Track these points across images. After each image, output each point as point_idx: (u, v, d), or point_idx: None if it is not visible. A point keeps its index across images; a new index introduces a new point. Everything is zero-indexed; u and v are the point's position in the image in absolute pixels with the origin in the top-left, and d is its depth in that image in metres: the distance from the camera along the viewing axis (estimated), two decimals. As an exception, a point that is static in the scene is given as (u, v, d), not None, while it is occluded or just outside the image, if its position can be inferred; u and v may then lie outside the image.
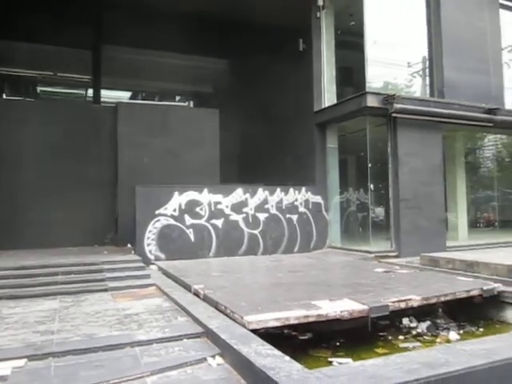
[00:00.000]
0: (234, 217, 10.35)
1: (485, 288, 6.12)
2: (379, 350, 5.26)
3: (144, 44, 13.95)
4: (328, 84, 11.87)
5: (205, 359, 4.08)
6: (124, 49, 14.64)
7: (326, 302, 5.27)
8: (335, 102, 11.56)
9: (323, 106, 11.68)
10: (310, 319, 4.86)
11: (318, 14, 12.02)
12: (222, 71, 17.14)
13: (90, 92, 16.52)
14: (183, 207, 9.90)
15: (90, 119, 11.89)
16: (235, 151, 15.83)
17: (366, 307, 5.06)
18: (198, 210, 10.05)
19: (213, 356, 4.12)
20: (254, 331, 4.49)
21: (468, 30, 11.51)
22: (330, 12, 12.21)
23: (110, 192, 11.74)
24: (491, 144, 15.39)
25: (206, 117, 12.91)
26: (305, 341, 5.55)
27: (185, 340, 4.55)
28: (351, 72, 13.07)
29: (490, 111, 10.98)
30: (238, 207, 10.42)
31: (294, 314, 4.79)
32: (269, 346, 3.92)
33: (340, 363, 4.56)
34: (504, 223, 14.10)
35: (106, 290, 7.03)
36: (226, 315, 5.00)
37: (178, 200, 9.88)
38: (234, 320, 4.79)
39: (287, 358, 3.63)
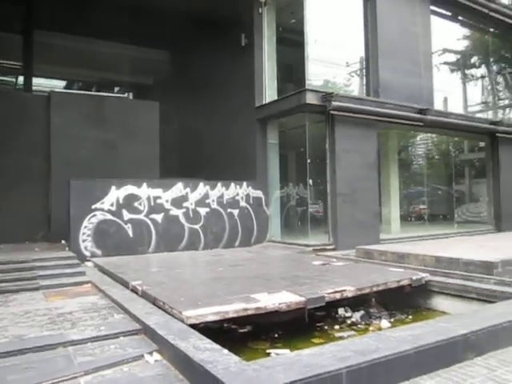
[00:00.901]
0: (174, 211, 10.21)
1: (414, 278, 6.48)
2: (316, 340, 5.42)
3: (80, 31, 13.31)
4: (269, 80, 11.99)
5: (142, 356, 4.00)
6: (59, 35, 13.86)
7: (265, 295, 5.34)
8: (276, 98, 11.71)
9: (264, 102, 11.79)
10: (249, 312, 4.91)
11: (260, 10, 12.09)
12: (164, 63, 16.79)
13: (22, 80, 15.56)
14: (121, 202, 9.62)
15: (21, 108, 11.19)
16: (176, 145, 15.61)
17: (303, 299, 5.19)
18: (136, 204, 9.80)
19: (150, 353, 4.06)
20: (194, 326, 4.47)
21: (402, 34, 12.05)
22: (272, 9, 12.32)
23: (43, 186, 11.15)
24: (422, 142, 16.29)
25: (145, 109, 12.60)
26: (244, 334, 5.61)
27: (121, 338, 4.44)
28: (292, 69, 13.30)
29: (421, 111, 11.59)
30: (178, 202, 10.29)
31: (233, 308, 4.82)
32: (207, 340, 3.92)
33: (278, 354, 4.66)
34: (433, 217, 15.01)
35: (37, 289, 6.69)
36: (165, 311, 4.94)
37: (116, 194, 9.58)
38: (172, 316, 4.73)
39: (225, 351, 3.65)
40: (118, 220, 9.55)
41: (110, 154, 11.53)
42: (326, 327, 6.01)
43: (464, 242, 10.28)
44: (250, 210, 11.31)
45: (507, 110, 17.92)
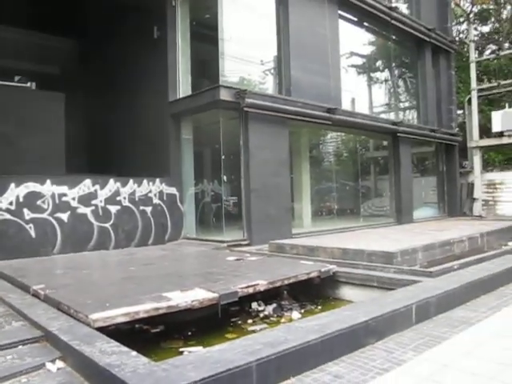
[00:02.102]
0: (82, 210, 9.68)
1: (322, 270, 6.77)
2: (229, 335, 5.46)
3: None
4: (183, 75, 11.81)
5: (43, 365, 3.74)
6: None
7: (178, 293, 5.26)
8: (190, 93, 11.57)
9: (178, 97, 11.60)
10: (161, 311, 4.81)
11: (174, 3, 11.85)
12: (71, 52, 15.78)
13: None
14: (21, 200, 8.89)
15: None
16: (85, 140, 14.82)
17: (215, 295, 5.20)
18: (39, 203, 9.13)
19: (52, 360, 3.81)
20: (102, 329, 4.28)
21: (312, 36, 12.48)
22: (186, 2, 12.14)
23: None
24: (332, 140, 17.09)
25: (49, 100, 11.79)
26: (157, 333, 5.49)
27: (20, 347, 4.10)
28: (208, 65, 13.22)
29: (329, 110, 12.13)
30: (86, 199, 9.76)
31: (144, 308, 4.69)
32: (115, 344, 3.76)
33: (190, 352, 4.62)
34: (342, 211, 15.81)
35: None
36: (70, 315, 4.66)
37: (15, 192, 8.84)
38: (78, 320, 4.48)
39: (134, 353, 3.53)
40: (18, 220, 8.83)
41: (7, 149, 10.61)
42: (239, 322, 6.09)
43: (368, 235, 10.97)
44: (164, 207, 11.08)
45: (407, 111, 19.42)
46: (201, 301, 5.07)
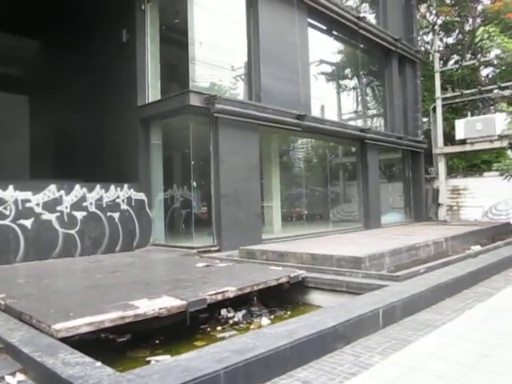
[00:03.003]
0: (47, 216, 9.38)
1: (291, 275, 6.79)
2: (198, 343, 5.38)
3: None
4: (152, 79, 11.69)
5: (2, 378, 3.58)
6: None
7: (145, 301, 5.17)
8: (159, 98, 11.45)
9: (147, 102, 11.46)
10: (128, 320, 4.70)
11: (143, 7, 11.74)
12: (36, 53, 15.37)
13: None
14: (-18, 206, 8.58)
15: None
16: (51, 144, 14.39)
17: (184, 302, 5.12)
18: (1, 209, 8.80)
19: (12, 373, 3.65)
20: (65, 340, 4.14)
21: (282, 43, 12.59)
22: (156, 6, 12.04)
23: None
24: (302, 147, 17.26)
25: (11, 103, 11.41)
26: (124, 343, 5.35)
27: (-23, 360, 3.93)
28: (178, 70, 13.12)
29: (299, 117, 12.25)
30: (50, 205, 9.47)
31: (110, 317, 4.57)
32: (79, 354, 3.65)
33: (158, 361, 4.53)
34: (311, 217, 15.96)
35: None
36: (32, 326, 4.49)
37: (-25, 198, 8.51)
38: (40, 330, 4.33)
39: (98, 363, 3.44)
40: (-23, 227, 8.50)
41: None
42: (209, 329, 6.02)
43: (337, 240, 11.09)
44: (132, 213, 10.88)
45: (374, 118, 19.84)
46: (169, 308, 4.99)
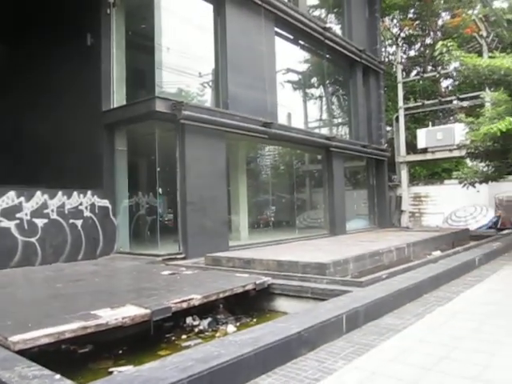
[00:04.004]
0: (5, 223, 9.03)
1: (257, 282, 6.80)
2: (162, 352, 5.30)
3: None
4: (118, 84, 11.53)
5: (-47, 394, 3.42)
6: None
7: (108, 311, 5.05)
8: (125, 103, 11.30)
9: (112, 107, 11.28)
10: (89, 330, 4.59)
11: (109, 11, 11.58)
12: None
13: None
14: None
15: None
16: (11, 149, 13.91)
17: (148, 311, 5.04)
18: (-45, 216, 8.45)
19: (-35, 389, 3.49)
20: (23, 352, 4.00)
21: (249, 51, 12.68)
22: (121, 11, 11.90)
23: None
24: (269, 154, 17.39)
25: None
26: (85, 354, 5.21)
27: None
28: (144, 75, 12.97)
29: (265, 124, 12.34)
30: (9, 213, 9.13)
31: (71, 327, 4.44)
32: (37, 367, 3.52)
33: (120, 372, 4.43)
34: (278, 223, 16.09)
35: None
36: (-13, 338, 4.32)
37: None
38: (-4, 343, 4.16)
39: (58, 376, 3.33)
40: None
41: None
42: (173, 338, 5.94)
43: (303, 246, 11.20)
44: (96, 221, 10.64)
45: (340, 127, 20.24)
46: (132, 317, 4.90)
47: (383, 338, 4.71)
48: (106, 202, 10.91)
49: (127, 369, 4.47)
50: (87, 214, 10.49)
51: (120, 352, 5.30)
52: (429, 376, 3.70)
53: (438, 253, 10.35)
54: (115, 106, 11.31)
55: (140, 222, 11.91)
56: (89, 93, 11.54)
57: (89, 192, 10.60)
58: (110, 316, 4.82)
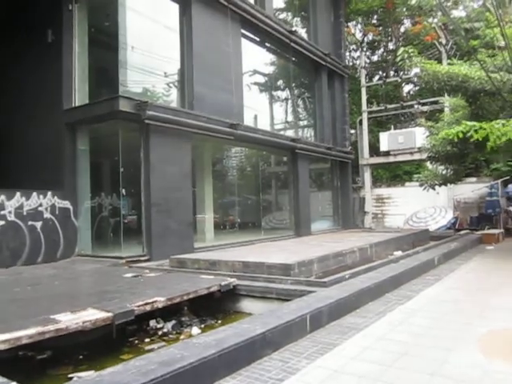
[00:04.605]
0: (-42, 226, 8.66)
1: (222, 283, 6.78)
2: (125, 356, 5.21)
3: None
4: (80, 82, 11.24)
5: None
6: None
7: (68, 315, 4.92)
8: (87, 102, 11.03)
9: (74, 105, 10.98)
10: (48, 335, 4.45)
11: (71, 7, 11.28)
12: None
13: None
14: None
15: None
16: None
17: (110, 315, 4.94)
18: None
19: None
20: (-24, 359, 3.84)
21: (215, 52, 12.63)
22: (84, 7, 11.62)
23: None
24: (235, 155, 17.38)
25: None
26: (44, 360, 5.05)
27: None
28: (108, 74, 12.71)
29: (232, 126, 12.33)
30: (-37, 214, 8.76)
31: (28, 333, 4.29)
32: (-8, 375, 3.40)
33: (80, 377, 4.32)
34: (244, 225, 16.09)
35: None
36: None
37: None
38: None
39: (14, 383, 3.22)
40: None
41: None
42: (137, 341, 5.85)
43: (269, 247, 11.25)
44: (56, 222, 10.31)
45: (305, 129, 20.48)
46: (93, 321, 4.78)
47: (346, 337, 4.80)
48: (67, 203, 10.60)
49: (88, 374, 4.37)
50: (47, 215, 10.16)
51: (81, 357, 5.18)
52: (389, 372, 3.80)
53: (399, 253, 10.62)
54: (77, 104, 11.02)
55: (103, 224, 11.62)
56: (50, 91, 11.19)
57: (49, 193, 10.27)
58: (70, 320, 4.69)
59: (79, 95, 11.13)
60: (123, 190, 10.38)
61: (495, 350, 4.27)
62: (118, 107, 9.56)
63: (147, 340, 5.86)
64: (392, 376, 3.72)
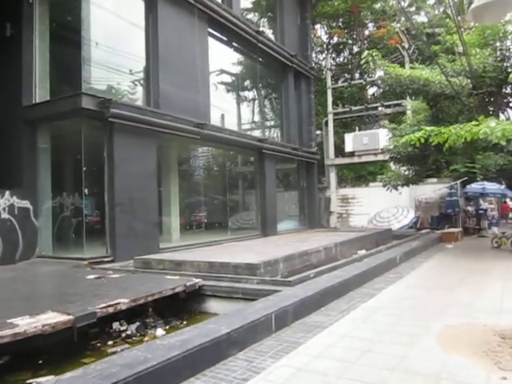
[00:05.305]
0: None
1: (188, 284, 6.73)
2: (87, 360, 5.08)
3: None
4: (41, 78, 10.88)
5: None
6: None
7: (26, 318, 4.75)
8: (48, 98, 10.70)
9: (34, 102, 10.63)
10: (5, 340, 4.29)
11: (31, 0, 10.90)
12: None
13: None
14: None
15: None
16: None
17: (71, 317, 4.81)
18: None
19: None
20: None
21: (181, 51, 12.50)
22: (45, 1, 11.26)
23: None
24: (202, 155, 17.27)
25: None
26: (1, 365, 4.87)
27: None
28: (70, 70, 12.35)
29: (198, 125, 12.24)
30: None
31: (-17, 338, 4.13)
32: None
33: (39, 383, 4.19)
34: (210, 225, 16.01)
35: None
36: None
37: None
38: None
39: (-33, 391, 3.09)
40: None
41: None
42: (99, 344, 5.72)
43: (235, 247, 11.24)
44: (15, 223, 9.94)
45: (272, 130, 20.59)
46: (53, 325, 4.65)
47: (310, 335, 4.85)
48: (26, 203, 10.24)
49: (47, 379, 4.23)
50: (5, 215, 9.78)
51: (40, 362, 5.03)
52: (352, 369, 3.87)
53: (363, 252, 10.84)
54: (38, 101, 10.67)
55: (64, 224, 11.27)
56: (8, 86, 10.79)
57: (7, 192, 9.89)
58: (29, 324, 4.54)
59: (40, 92, 10.78)
60: (86, 190, 10.12)
61: (453, 344, 4.43)
62: (81, 104, 9.32)
63: (110, 343, 5.75)
64: (355, 373, 3.79)
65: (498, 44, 12.19)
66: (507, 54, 12.14)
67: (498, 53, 12.05)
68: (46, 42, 11.12)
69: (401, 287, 7.47)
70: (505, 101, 12.88)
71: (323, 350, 4.38)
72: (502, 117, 12.79)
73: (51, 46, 11.18)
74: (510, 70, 11.70)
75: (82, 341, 5.32)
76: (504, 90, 12.39)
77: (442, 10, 25.97)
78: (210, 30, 14.13)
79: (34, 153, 10.64)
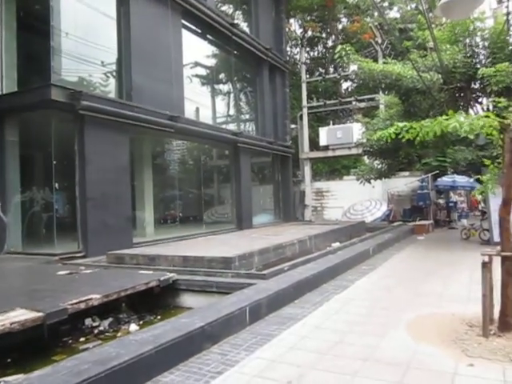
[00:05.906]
0: None
1: (161, 278, 6.67)
2: (57, 357, 4.99)
3: None
4: (8, 68, 10.53)
5: None
6: None
7: (-7, 316, 4.62)
8: (16, 89, 10.37)
9: (0, 93, 10.28)
10: (-29, 339, 4.17)
11: (-5, -12, 10.52)
12: None
13: None
14: None
15: None
16: None
17: (40, 314, 4.71)
18: None
19: None
20: None
21: (154, 42, 12.29)
22: (11, -11, 10.88)
23: None
24: (177, 148, 17.07)
25: None
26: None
27: None
28: (40, 61, 11.98)
29: (172, 118, 12.10)
30: None
31: None
32: None
33: (7, 382, 4.08)
34: (185, 219, 15.87)
35: None
36: None
37: None
38: None
39: None
40: None
41: None
42: (70, 341, 5.62)
43: (210, 241, 11.22)
44: (-19, 218, 9.66)
45: (247, 123, 20.55)
46: (22, 322, 4.53)
47: (284, 328, 4.89)
48: (-7, 198, 9.95)
49: (16, 378, 4.13)
50: (-29, 211, 9.49)
51: (9, 360, 4.91)
52: (325, 360, 3.92)
53: (337, 244, 10.97)
54: (5, 92, 10.33)
55: (34, 220, 10.98)
56: (-28, 77, 10.41)
57: (-27, 187, 9.59)
58: (-4, 322, 4.42)
59: (7, 82, 10.43)
60: (56, 184, 9.89)
61: (423, 334, 4.53)
62: (50, 96, 9.06)
63: (82, 339, 5.66)
64: (328, 363, 3.84)
65: (467, 40, 12.43)
66: (476, 50, 12.40)
67: (468, 49, 12.30)
68: (13, 32, 10.77)
69: (373, 279, 7.60)
70: (474, 96, 13.15)
71: (297, 341, 4.42)
72: (470, 111, 13.07)
73: (19, 35, 10.84)
74: (478, 66, 11.95)
75: (52, 338, 5.22)
76: (473, 85, 12.65)
77: (414, 6, 26.36)
78: (183, 21, 13.94)
79: (2, 146, 10.31)
